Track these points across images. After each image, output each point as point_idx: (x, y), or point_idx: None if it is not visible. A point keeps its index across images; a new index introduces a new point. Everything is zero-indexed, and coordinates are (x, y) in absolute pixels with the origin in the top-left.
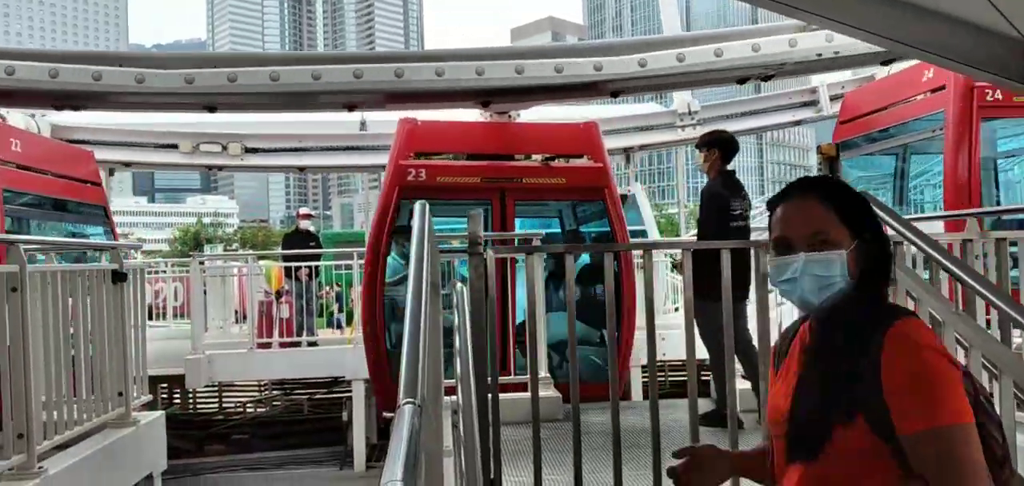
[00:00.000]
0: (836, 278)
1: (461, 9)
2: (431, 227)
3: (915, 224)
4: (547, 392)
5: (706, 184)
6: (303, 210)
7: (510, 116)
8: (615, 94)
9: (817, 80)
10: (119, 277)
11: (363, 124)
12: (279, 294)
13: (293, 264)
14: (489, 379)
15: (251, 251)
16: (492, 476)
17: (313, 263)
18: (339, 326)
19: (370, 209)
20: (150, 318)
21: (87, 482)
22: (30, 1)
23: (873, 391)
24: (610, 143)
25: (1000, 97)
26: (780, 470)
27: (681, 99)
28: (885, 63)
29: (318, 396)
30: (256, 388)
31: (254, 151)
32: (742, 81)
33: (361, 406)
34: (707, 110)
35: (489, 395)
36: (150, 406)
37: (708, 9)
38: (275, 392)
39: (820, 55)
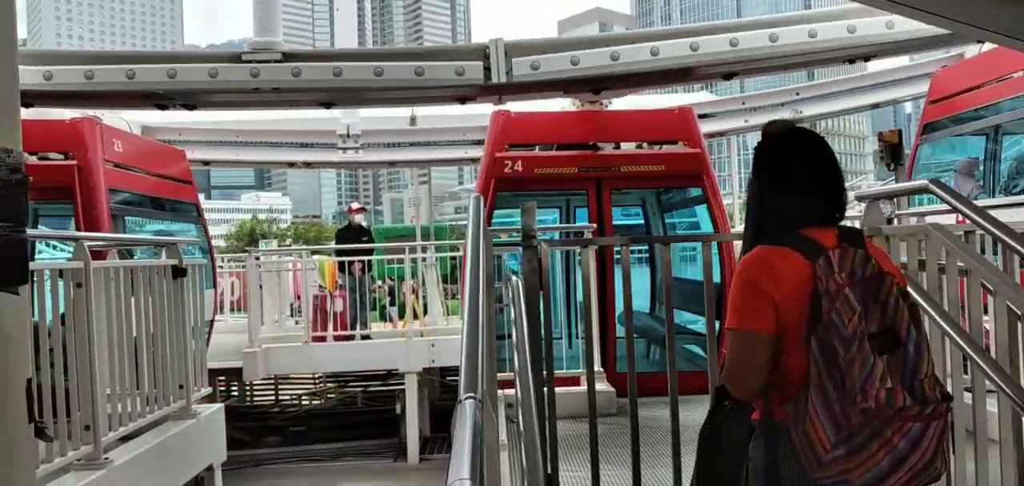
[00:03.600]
0: None
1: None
2: (486, 223)
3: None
4: (601, 386)
5: None
6: (355, 205)
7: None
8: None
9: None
10: (179, 273)
11: (413, 119)
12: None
13: (346, 258)
14: (544, 373)
15: (305, 246)
16: (549, 470)
17: (366, 257)
18: (391, 320)
19: (420, 204)
20: None
21: (151, 472)
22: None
23: None
24: None
25: None
26: None
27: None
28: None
29: (372, 388)
30: (311, 381)
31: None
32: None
33: (414, 399)
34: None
35: (544, 389)
36: (210, 399)
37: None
38: (329, 385)
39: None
